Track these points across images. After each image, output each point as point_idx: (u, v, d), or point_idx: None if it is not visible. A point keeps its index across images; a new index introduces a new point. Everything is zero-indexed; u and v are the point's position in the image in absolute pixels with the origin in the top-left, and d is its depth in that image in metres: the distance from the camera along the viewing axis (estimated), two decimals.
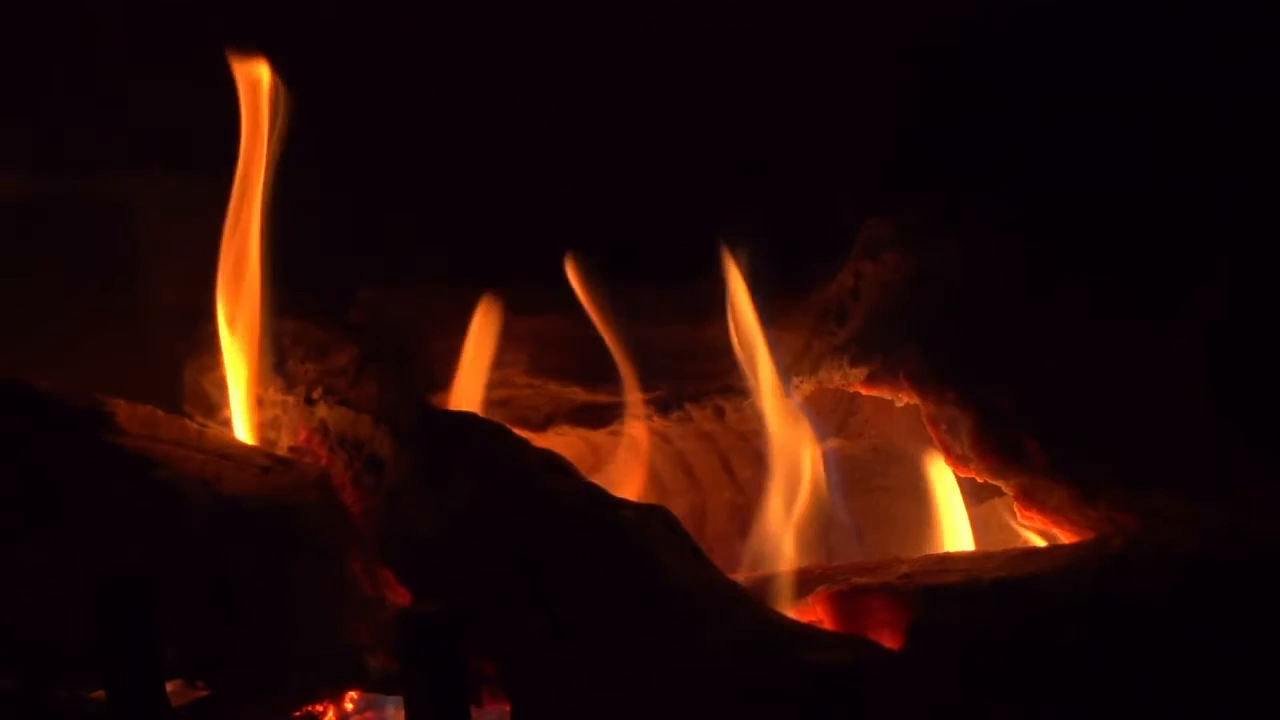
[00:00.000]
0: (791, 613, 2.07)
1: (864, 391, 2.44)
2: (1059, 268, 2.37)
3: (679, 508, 2.30)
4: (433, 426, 2.24)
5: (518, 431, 2.26)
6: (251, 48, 2.39)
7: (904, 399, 2.39)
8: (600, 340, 2.49)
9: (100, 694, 1.91)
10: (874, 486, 2.50)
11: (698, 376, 2.47)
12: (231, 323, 2.39)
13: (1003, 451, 2.28)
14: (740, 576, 2.18)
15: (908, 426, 2.45)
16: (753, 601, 2.01)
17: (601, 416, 2.48)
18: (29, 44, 2.79)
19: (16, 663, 1.99)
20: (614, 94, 2.77)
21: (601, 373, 2.48)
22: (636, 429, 2.50)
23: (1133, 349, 2.29)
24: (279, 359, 2.42)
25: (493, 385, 2.46)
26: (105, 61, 2.79)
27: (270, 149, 2.39)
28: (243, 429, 2.41)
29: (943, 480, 2.40)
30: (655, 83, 2.77)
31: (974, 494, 2.40)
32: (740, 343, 2.39)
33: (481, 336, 2.44)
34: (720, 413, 2.48)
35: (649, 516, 2.06)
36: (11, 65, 2.75)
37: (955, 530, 2.38)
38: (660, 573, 1.97)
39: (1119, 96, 2.50)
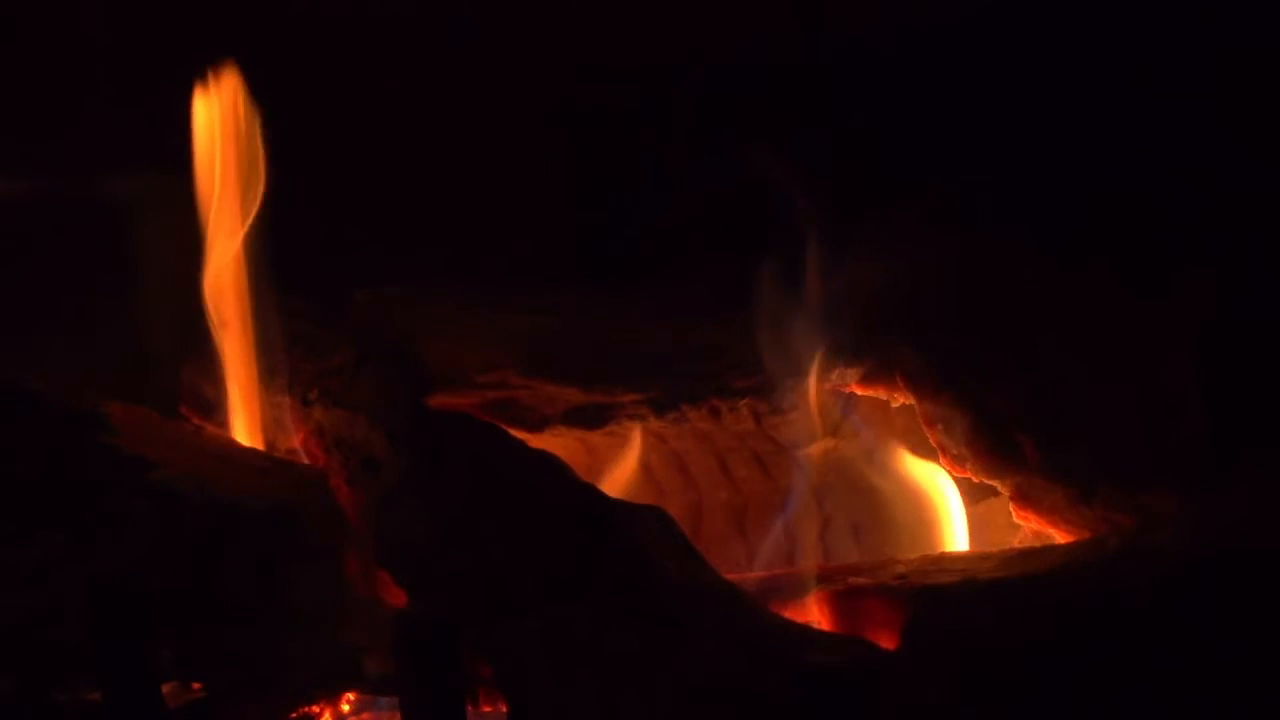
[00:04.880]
0: (788, 613, 2.07)
1: (860, 391, 2.44)
2: (1054, 267, 2.38)
3: (675, 508, 2.30)
4: (429, 427, 2.24)
5: (513, 432, 2.26)
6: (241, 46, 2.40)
7: (900, 399, 2.40)
8: (597, 341, 2.49)
9: (97, 695, 1.91)
10: (870, 487, 2.50)
11: (694, 376, 2.47)
12: (227, 323, 2.39)
13: (999, 451, 2.29)
14: (736, 577, 2.18)
15: (904, 426, 2.45)
16: (749, 602, 2.02)
17: (598, 417, 2.47)
18: (29, 45, 2.79)
19: (13, 664, 1.99)
20: (613, 94, 2.77)
21: (598, 373, 2.47)
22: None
23: (1128, 348, 2.29)
24: (275, 360, 2.42)
25: (489, 386, 2.46)
26: (105, 61, 2.79)
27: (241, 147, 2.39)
28: (240, 430, 2.41)
29: (939, 480, 2.40)
30: (654, 83, 2.77)
31: (970, 494, 2.40)
32: None
33: None
34: (716, 413, 2.48)
35: (645, 517, 2.06)
36: (11, 65, 2.75)
37: (951, 530, 2.38)
38: (657, 573, 1.97)
39: (1111, 95, 2.50)
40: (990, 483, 2.31)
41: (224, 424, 2.42)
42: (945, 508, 2.39)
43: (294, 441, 2.39)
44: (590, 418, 2.47)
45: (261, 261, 2.40)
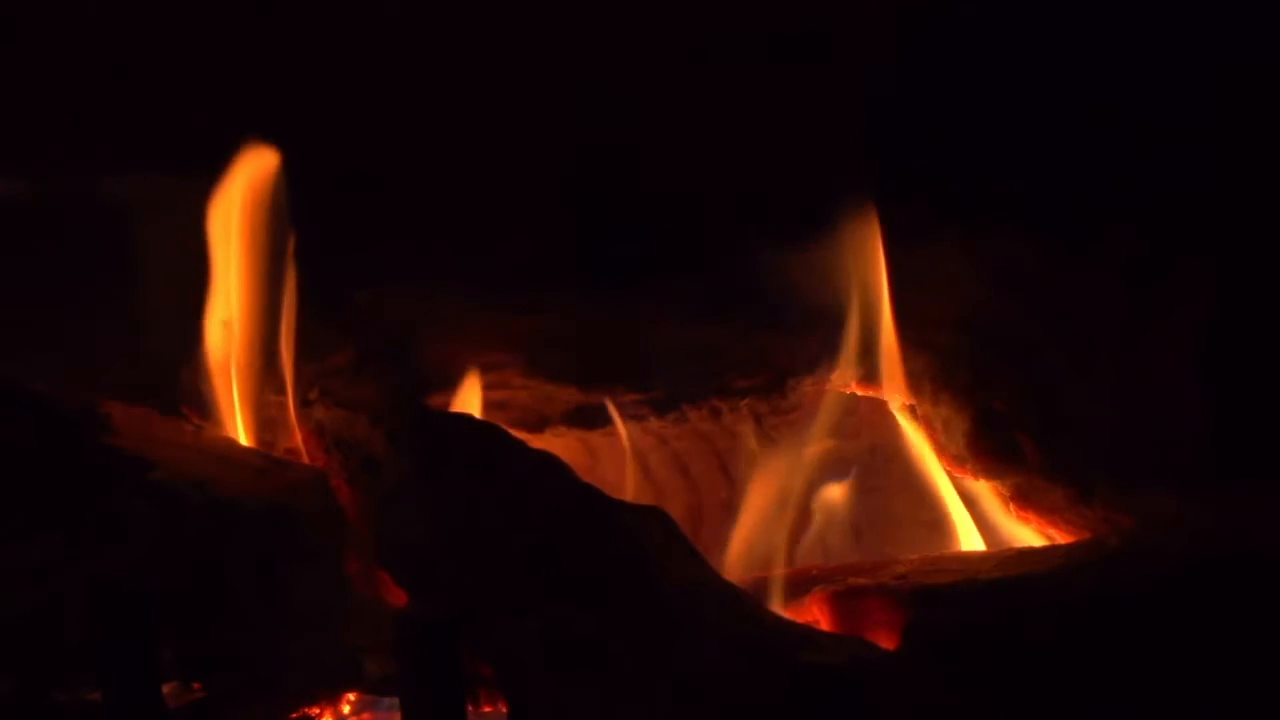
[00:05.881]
0: (788, 613, 2.07)
1: (860, 391, 2.44)
2: (1054, 266, 2.38)
3: (675, 509, 2.30)
4: (429, 427, 2.24)
5: (514, 433, 2.26)
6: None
7: (900, 399, 2.40)
8: (597, 341, 2.49)
9: (97, 695, 1.91)
10: (871, 486, 2.50)
11: (694, 376, 2.47)
12: (228, 323, 2.39)
13: (998, 452, 2.29)
14: (736, 577, 2.18)
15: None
16: (750, 602, 2.02)
17: (598, 417, 2.48)
18: (29, 44, 2.79)
19: (14, 663, 1.99)
20: (617, 94, 2.77)
21: (598, 373, 2.48)
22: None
23: (1127, 349, 2.30)
24: (276, 360, 2.42)
25: (490, 386, 2.46)
26: (104, 62, 2.79)
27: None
28: (239, 430, 2.41)
29: (938, 480, 2.40)
30: (657, 84, 2.77)
31: (969, 494, 2.40)
32: None
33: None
34: (716, 413, 2.48)
35: (645, 517, 2.06)
36: (11, 65, 2.75)
37: (951, 530, 2.38)
38: (657, 574, 1.97)
39: (1112, 95, 2.50)
40: (990, 483, 2.32)
41: (223, 423, 2.42)
42: (945, 507, 2.40)
43: (294, 441, 2.39)
44: (590, 418, 2.47)
45: (263, 261, 2.40)
